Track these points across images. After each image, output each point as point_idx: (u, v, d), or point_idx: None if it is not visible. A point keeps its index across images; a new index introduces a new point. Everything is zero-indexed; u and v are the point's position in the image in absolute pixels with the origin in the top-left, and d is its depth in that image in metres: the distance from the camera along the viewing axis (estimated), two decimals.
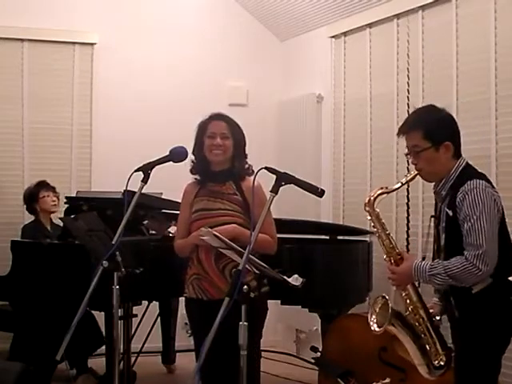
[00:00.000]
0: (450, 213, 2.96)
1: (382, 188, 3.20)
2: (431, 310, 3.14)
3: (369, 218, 3.20)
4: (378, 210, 3.18)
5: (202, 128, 3.54)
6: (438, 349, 3.08)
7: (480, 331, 2.92)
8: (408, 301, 3.12)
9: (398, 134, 3.11)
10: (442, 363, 3.07)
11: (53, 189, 5.59)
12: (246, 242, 2.92)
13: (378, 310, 3.15)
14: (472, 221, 2.85)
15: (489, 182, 2.98)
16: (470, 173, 2.99)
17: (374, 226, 3.21)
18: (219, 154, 3.49)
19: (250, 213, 3.36)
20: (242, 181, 3.51)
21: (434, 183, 3.11)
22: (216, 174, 3.54)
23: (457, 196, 2.92)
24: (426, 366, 3.09)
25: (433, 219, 3.14)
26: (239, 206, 3.47)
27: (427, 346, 3.08)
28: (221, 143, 3.47)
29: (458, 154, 3.04)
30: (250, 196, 3.38)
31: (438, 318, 3.14)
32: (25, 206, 5.62)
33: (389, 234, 3.19)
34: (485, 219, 2.84)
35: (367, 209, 3.18)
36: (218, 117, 3.54)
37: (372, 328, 3.15)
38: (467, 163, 3.05)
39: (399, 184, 3.19)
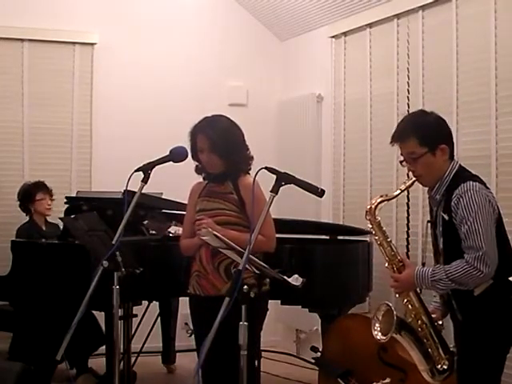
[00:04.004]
0: (446, 217, 2.96)
1: (381, 196, 3.21)
2: (433, 315, 3.14)
3: (370, 226, 3.20)
4: (379, 218, 3.19)
5: (193, 139, 3.56)
6: (440, 353, 3.08)
7: (483, 333, 2.93)
8: (410, 307, 3.12)
9: (392, 142, 3.08)
10: (445, 367, 3.07)
11: (50, 192, 5.56)
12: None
13: (381, 317, 3.15)
14: (469, 223, 2.86)
15: (482, 183, 2.98)
16: (463, 175, 2.99)
17: (375, 234, 3.21)
18: (211, 167, 3.55)
19: (247, 210, 3.45)
20: (238, 179, 3.54)
21: (428, 188, 3.11)
22: (215, 176, 3.59)
23: (451, 199, 2.92)
24: (429, 371, 3.09)
25: (429, 224, 3.14)
26: (235, 204, 3.50)
27: (430, 351, 3.08)
28: (207, 159, 3.51)
29: (452, 156, 3.05)
30: (245, 194, 3.46)
31: (440, 322, 3.14)
32: (18, 203, 5.59)
33: (390, 241, 3.19)
34: (481, 220, 2.85)
35: (368, 217, 3.18)
36: (199, 129, 3.53)
37: (377, 337, 3.14)
38: (460, 165, 3.05)
39: (398, 191, 3.20)
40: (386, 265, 3.16)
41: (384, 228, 3.21)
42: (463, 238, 2.89)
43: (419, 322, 3.10)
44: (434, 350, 3.08)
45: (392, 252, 3.15)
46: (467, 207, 2.86)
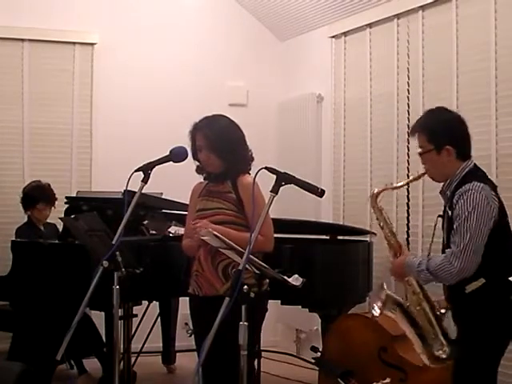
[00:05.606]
0: (450, 213, 3.01)
1: (386, 184, 3.38)
2: (436, 302, 3.20)
3: (372, 210, 3.36)
4: (380, 204, 3.32)
5: (193, 137, 3.57)
6: (440, 339, 3.15)
7: (474, 332, 2.95)
8: (411, 292, 3.20)
9: (409, 134, 3.25)
10: (443, 356, 3.14)
11: (52, 202, 5.43)
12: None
13: (384, 297, 3.25)
14: (460, 220, 2.92)
15: (491, 185, 3.00)
16: (474, 175, 3.03)
17: (377, 218, 3.35)
18: (209, 166, 3.55)
19: (245, 210, 3.46)
20: (238, 178, 3.54)
21: (442, 183, 3.17)
22: (215, 176, 3.59)
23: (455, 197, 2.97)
24: (425, 355, 3.18)
25: (440, 219, 3.20)
26: (233, 204, 3.50)
27: (429, 337, 3.14)
28: (205, 158, 3.52)
29: (464, 156, 3.08)
30: (244, 193, 3.47)
31: (442, 311, 3.20)
32: (19, 197, 5.51)
33: (392, 227, 3.32)
34: (472, 220, 2.90)
35: (370, 201, 3.31)
36: (198, 128, 3.54)
37: (373, 313, 3.25)
38: (475, 165, 3.09)
39: (403, 182, 3.35)
40: (388, 248, 3.28)
41: (386, 214, 3.35)
42: (452, 234, 2.96)
43: (418, 307, 3.18)
44: (432, 336, 3.14)
45: (393, 238, 3.27)
46: (464, 205, 2.91)
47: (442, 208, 3.26)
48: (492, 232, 2.93)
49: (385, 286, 3.26)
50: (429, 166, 3.11)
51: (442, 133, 3.05)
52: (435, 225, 3.24)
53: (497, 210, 2.95)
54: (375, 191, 3.33)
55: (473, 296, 2.95)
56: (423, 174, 3.18)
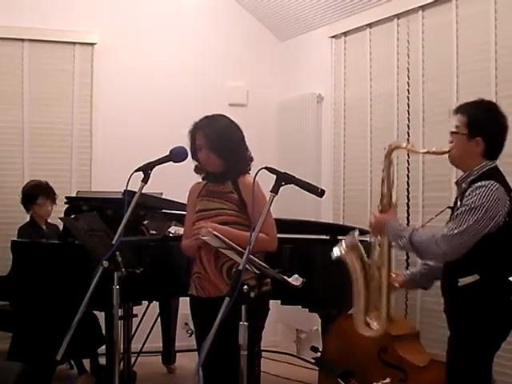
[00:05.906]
0: (459, 204, 3.04)
1: (406, 142, 3.36)
2: (394, 275, 3.24)
3: (384, 159, 3.29)
4: (393, 160, 3.30)
5: (192, 137, 3.57)
6: (380, 311, 3.19)
7: (465, 327, 2.97)
8: (377, 254, 3.22)
9: (452, 112, 3.21)
10: (375, 327, 3.20)
11: (52, 197, 5.44)
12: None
13: (350, 244, 3.30)
14: (463, 209, 2.94)
15: (507, 189, 3.01)
16: (492, 174, 3.03)
17: (383, 170, 3.28)
18: (209, 165, 3.54)
19: (248, 210, 3.44)
20: (238, 178, 3.54)
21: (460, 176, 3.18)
22: (214, 175, 3.58)
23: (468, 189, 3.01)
24: (361, 318, 3.23)
25: (449, 210, 3.21)
26: (235, 204, 3.50)
27: (371, 303, 3.19)
28: (205, 157, 3.51)
29: (490, 155, 3.09)
30: (246, 193, 3.46)
31: (396, 284, 3.24)
32: (20, 198, 5.53)
33: (391, 185, 3.28)
34: (474, 215, 2.91)
35: (385, 152, 3.27)
36: (199, 127, 3.54)
37: (334, 254, 3.30)
38: (496, 167, 3.09)
39: (424, 150, 3.37)
40: (378, 202, 3.27)
41: (393, 170, 3.32)
42: (453, 218, 2.99)
43: (376, 273, 3.21)
44: (375, 303, 3.18)
45: (388, 194, 3.25)
46: (473, 198, 2.93)
47: (442, 208, 3.26)
48: (495, 233, 2.93)
49: (356, 234, 3.28)
50: (454, 147, 3.11)
51: (482, 123, 3.07)
52: (441, 212, 3.27)
53: (504, 214, 2.95)
54: (392, 146, 3.28)
55: (465, 290, 2.96)
56: (445, 152, 3.16)
